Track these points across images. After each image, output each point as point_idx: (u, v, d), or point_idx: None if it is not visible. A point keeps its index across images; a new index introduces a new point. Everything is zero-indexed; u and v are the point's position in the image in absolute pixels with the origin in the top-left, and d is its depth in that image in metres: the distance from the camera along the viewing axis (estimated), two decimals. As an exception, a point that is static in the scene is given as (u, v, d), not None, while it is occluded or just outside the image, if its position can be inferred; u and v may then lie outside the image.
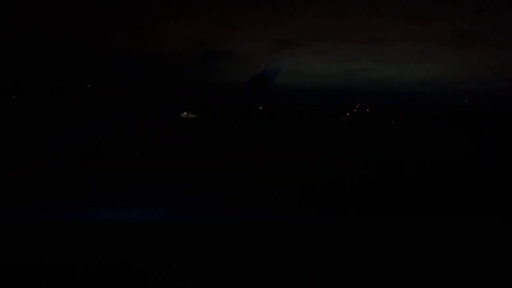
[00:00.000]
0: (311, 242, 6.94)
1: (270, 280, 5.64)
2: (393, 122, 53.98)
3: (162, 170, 16.24)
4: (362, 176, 17.10)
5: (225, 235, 7.96)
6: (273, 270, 5.94)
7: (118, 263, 5.96)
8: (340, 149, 24.90)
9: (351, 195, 13.96)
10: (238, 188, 13.78)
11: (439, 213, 11.31)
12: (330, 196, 13.82)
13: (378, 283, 5.42)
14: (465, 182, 16.20)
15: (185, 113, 50.56)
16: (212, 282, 5.52)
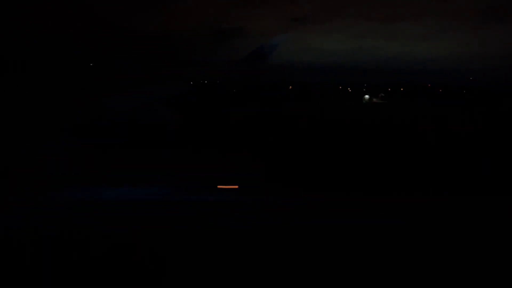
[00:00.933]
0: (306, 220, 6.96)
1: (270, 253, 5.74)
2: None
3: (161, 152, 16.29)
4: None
5: (225, 212, 8.02)
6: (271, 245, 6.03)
7: (123, 239, 6.11)
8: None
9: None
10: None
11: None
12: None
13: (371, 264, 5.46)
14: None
15: (367, 96, 43.08)
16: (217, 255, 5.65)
